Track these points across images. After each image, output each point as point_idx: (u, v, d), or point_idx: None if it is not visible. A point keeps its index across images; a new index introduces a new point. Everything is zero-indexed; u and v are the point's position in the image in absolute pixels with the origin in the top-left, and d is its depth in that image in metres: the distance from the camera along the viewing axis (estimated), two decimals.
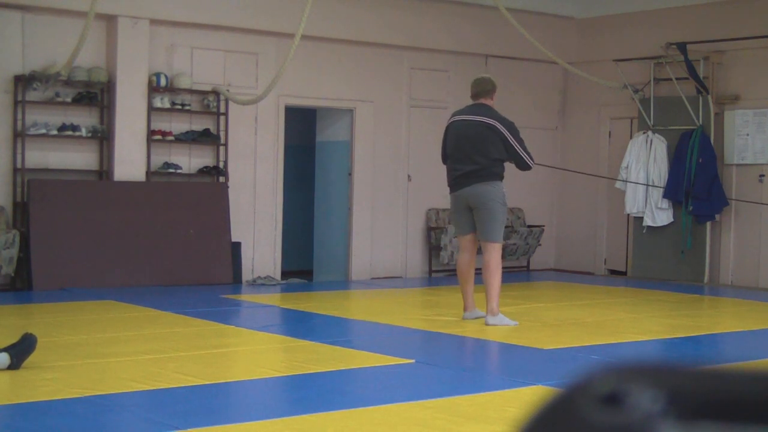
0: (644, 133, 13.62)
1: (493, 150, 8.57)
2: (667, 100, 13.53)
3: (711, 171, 12.98)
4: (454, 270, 13.86)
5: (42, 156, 11.09)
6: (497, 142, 8.58)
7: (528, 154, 8.69)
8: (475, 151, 8.58)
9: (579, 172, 13.80)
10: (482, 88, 8.81)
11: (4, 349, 6.25)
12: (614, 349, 7.65)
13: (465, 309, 9.00)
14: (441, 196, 13.88)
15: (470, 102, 8.95)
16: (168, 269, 11.45)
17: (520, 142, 8.68)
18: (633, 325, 9.23)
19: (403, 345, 7.80)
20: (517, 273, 14.47)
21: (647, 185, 13.40)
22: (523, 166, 8.75)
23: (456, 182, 8.74)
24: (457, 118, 8.84)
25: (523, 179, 14.42)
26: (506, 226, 14.45)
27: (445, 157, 8.91)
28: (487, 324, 8.61)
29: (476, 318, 8.90)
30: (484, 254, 8.74)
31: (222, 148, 12.13)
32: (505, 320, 8.67)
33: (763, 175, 12.88)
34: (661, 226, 13.45)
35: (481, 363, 6.89)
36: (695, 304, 11.51)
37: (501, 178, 8.70)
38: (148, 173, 11.61)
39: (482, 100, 8.80)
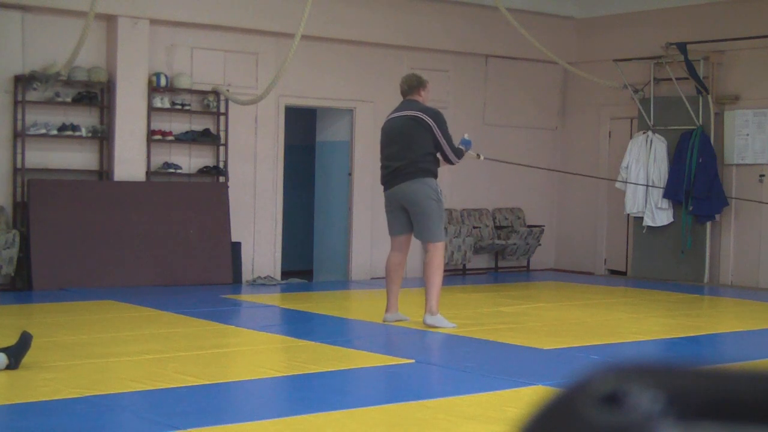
0: (644, 133, 13.62)
1: (420, 144, 8.39)
2: (667, 100, 13.53)
3: (711, 171, 12.98)
4: (454, 270, 13.90)
5: (42, 156, 11.09)
6: (424, 135, 8.39)
7: (453, 148, 8.49)
8: (403, 147, 8.40)
9: (578, 174, 13.80)
10: (409, 85, 8.65)
11: (2, 350, 6.25)
12: (614, 349, 7.65)
13: (387, 310, 8.68)
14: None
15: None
16: (168, 269, 11.45)
17: (446, 135, 8.46)
18: (633, 325, 9.23)
19: (403, 345, 7.80)
20: (517, 273, 14.47)
21: (647, 185, 13.40)
22: (446, 159, 8.54)
23: (386, 180, 8.52)
24: (388, 116, 8.72)
25: (523, 179, 14.45)
26: (506, 226, 14.54)
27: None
28: (425, 323, 8.44)
29: (397, 321, 8.64)
30: (426, 254, 8.56)
31: (222, 148, 12.13)
32: (444, 322, 8.45)
33: (763, 175, 12.88)
34: (661, 226, 13.45)
35: (481, 363, 6.89)
36: (695, 304, 11.51)
37: (433, 173, 8.49)
38: (148, 173, 11.61)
39: (411, 97, 8.65)
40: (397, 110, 8.67)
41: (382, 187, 8.70)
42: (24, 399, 5.50)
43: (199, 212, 11.72)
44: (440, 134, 8.41)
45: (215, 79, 12.07)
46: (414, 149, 8.37)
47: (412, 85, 8.65)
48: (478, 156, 9.29)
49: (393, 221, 8.62)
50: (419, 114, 8.43)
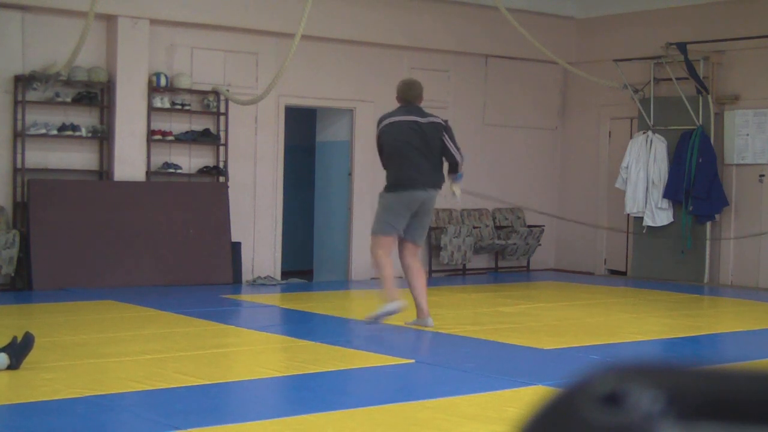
0: (644, 133, 13.62)
1: (439, 152, 8.52)
2: (667, 100, 13.54)
3: (711, 171, 12.99)
4: (454, 270, 13.90)
5: (42, 156, 11.09)
6: (440, 143, 8.50)
7: (460, 154, 8.57)
8: (429, 153, 8.47)
9: (579, 179, 13.79)
10: (415, 93, 8.67)
11: (3, 350, 6.25)
12: (614, 349, 7.65)
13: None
14: (441, 196, 13.88)
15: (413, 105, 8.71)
16: (168, 269, 11.45)
17: (454, 141, 8.58)
18: (633, 325, 9.23)
19: (403, 345, 7.80)
20: (517, 273, 14.47)
21: (646, 187, 13.40)
22: (456, 167, 8.60)
23: (408, 183, 8.48)
24: (396, 119, 8.57)
25: (523, 179, 14.46)
26: (506, 226, 14.55)
27: (386, 160, 8.62)
28: (428, 325, 8.47)
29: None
30: (415, 257, 8.66)
31: (222, 148, 12.13)
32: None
33: (763, 175, 12.88)
34: (661, 226, 13.46)
35: (481, 363, 6.89)
36: (695, 304, 11.51)
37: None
38: (148, 173, 11.61)
39: (417, 103, 8.68)
40: (406, 113, 8.59)
41: (389, 187, 8.59)
42: (24, 399, 5.50)
43: (199, 212, 11.72)
44: (451, 143, 8.53)
45: (215, 79, 12.07)
46: (436, 156, 8.51)
47: (418, 93, 8.71)
48: (454, 193, 9.05)
49: (400, 222, 8.60)
50: (439, 121, 8.58)
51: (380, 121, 8.75)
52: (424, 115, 8.59)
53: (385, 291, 8.50)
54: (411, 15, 13.34)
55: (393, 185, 8.58)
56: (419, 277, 8.59)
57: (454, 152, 8.50)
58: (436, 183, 8.57)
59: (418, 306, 8.57)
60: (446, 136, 8.52)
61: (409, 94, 8.70)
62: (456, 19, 13.72)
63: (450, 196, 9.35)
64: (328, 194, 13.47)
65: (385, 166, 8.68)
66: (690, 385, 0.74)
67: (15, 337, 6.37)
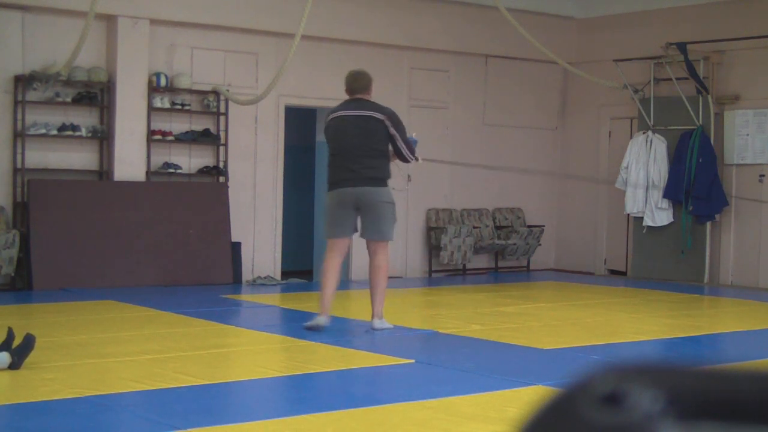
0: (644, 133, 13.62)
1: (383, 147, 8.17)
2: (667, 100, 13.54)
3: (711, 171, 12.99)
4: (454, 270, 13.90)
5: (42, 156, 11.09)
6: (384, 136, 8.16)
7: (410, 150, 8.24)
8: (369, 149, 8.14)
9: (578, 177, 13.80)
10: (360, 84, 8.30)
11: (5, 349, 6.25)
12: (614, 349, 7.65)
13: (324, 312, 8.29)
14: (441, 196, 13.90)
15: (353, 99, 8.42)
16: (168, 269, 11.45)
17: (403, 134, 8.24)
18: (633, 325, 9.23)
19: (403, 345, 7.80)
20: (517, 273, 14.47)
21: (646, 189, 13.40)
22: (404, 159, 8.32)
23: (340, 182, 8.24)
24: (339, 114, 8.31)
25: (523, 179, 14.45)
26: (506, 226, 14.55)
27: (329, 157, 8.44)
28: (374, 328, 8.26)
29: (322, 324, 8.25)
30: (375, 255, 8.32)
31: (222, 148, 12.13)
32: (387, 324, 8.30)
33: (763, 175, 12.88)
34: (661, 226, 13.45)
35: (481, 363, 6.89)
36: (695, 304, 11.51)
37: (390, 175, 8.31)
38: (148, 173, 11.61)
39: (361, 96, 8.33)
40: (350, 107, 8.31)
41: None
42: (24, 399, 5.50)
43: (199, 212, 11.72)
44: (398, 136, 8.19)
45: (215, 79, 12.07)
46: (378, 151, 8.16)
47: (364, 84, 8.34)
48: (417, 159, 8.71)
49: (340, 221, 8.30)
50: (382, 117, 8.18)
51: (327, 115, 8.52)
52: (368, 108, 8.24)
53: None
54: (411, 15, 13.34)
55: (329, 184, 8.41)
56: (373, 277, 8.29)
57: (401, 148, 8.20)
58: (374, 179, 8.15)
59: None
60: (393, 130, 8.16)
61: (354, 86, 8.36)
62: (456, 19, 13.71)
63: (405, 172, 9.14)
64: None
65: (327, 163, 8.49)
66: (690, 385, 0.74)
67: (10, 329, 6.36)
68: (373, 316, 8.35)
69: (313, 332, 8.08)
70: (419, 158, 8.61)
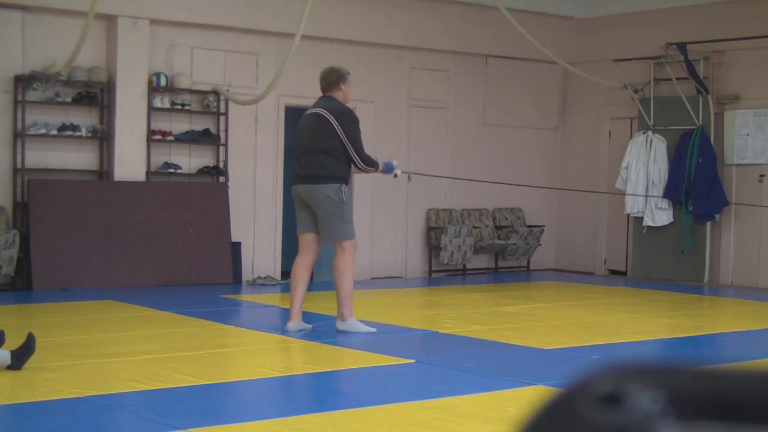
0: (644, 133, 13.62)
1: (329, 145, 8.00)
2: (667, 100, 13.54)
3: (711, 171, 12.99)
4: (454, 270, 13.90)
5: (42, 156, 11.09)
6: (333, 135, 8.00)
7: (359, 154, 8.06)
8: (313, 146, 8.03)
9: (575, 190, 13.80)
10: (328, 81, 8.21)
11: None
12: (614, 349, 7.65)
13: (291, 318, 8.22)
14: (441, 196, 13.89)
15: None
16: (168, 269, 11.45)
17: (354, 138, 8.05)
18: (633, 325, 9.23)
19: (403, 345, 7.80)
20: (517, 273, 14.47)
21: (645, 195, 13.40)
22: (354, 164, 8.13)
23: (293, 178, 8.21)
24: (307, 111, 8.29)
25: (523, 179, 14.45)
26: (506, 226, 14.54)
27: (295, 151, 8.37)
28: (338, 329, 8.18)
29: (300, 330, 8.18)
30: (337, 255, 8.19)
31: (222, 148, 12.13)
32: (360, 326, 8.17)
33: (763, 175, 12.88)
34: (661, 226, 13.46)
35: (481, 363, 6.89)
36: (695, 304, 11.51)
37: (342, 175, 8.07)
38: (148, 173, 11.61)
39: (329, 94, 8.22)
40: (315, 105, 8.28)
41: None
42: (24, 399, 5.50)
43: (199, 212, 11.72)
44: (345, 135, 8.04)
45: (215, 79, 12.07)
46: (327, 149, 8.03)
47: (331, 81, 8.22)
48: (395, 175, 8.74)
49: (299, 217, 8.25)
50: (327, 115, 8.05)
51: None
52: (324, 106, 8.13)
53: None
54: (411, 15, 13.34)
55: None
56: (335, 279, 8.16)
57: (350, 150, 8.03)
58: (318, 177, 7.99)
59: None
60: (340, 130, 8.00)
61: (321, 84, 8.31)
62: (456, 19, 13.71)
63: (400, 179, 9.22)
64: None
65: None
66: (690, 385, 0.74)
67: (1, 331, 6.34)
68: (337, 317, 8.25)
69: (293, 333, 8.05)
70: (397, 173, 8.61)
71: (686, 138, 13.20)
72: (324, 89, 8.28)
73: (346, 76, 8.25)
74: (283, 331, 8.16)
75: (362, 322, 8.45)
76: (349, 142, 8.04)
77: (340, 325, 8.20)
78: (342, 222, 8.06)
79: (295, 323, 8.17)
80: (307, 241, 8.22)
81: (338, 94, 8.21)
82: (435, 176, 12.08)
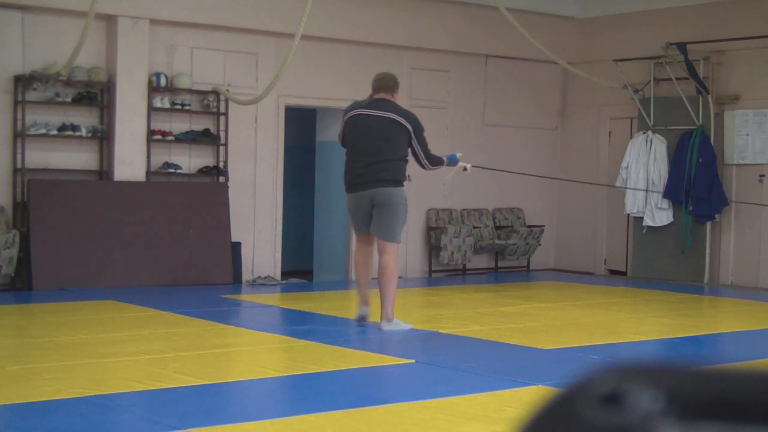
0: (644, 133, 13.62)
1: (402, 150, 8.23)
2: (667, 100, 13.54)
3: (711, 171, 12.99)
4: (454, 270, 13.90)
5: (42, 156, 11.09)
6: (405, 140, 8.23)
7: (428, 158, 8.30)
8: (385, 151, 8.19)
9: (577, 181, 13.80)
10: (386, 84, 8.40)
11: None
12: (614, 349, 7.65)
13: (363, 304, 8.51)
14: (441, 196, 13.89)
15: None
16: (168, 269, 11.45)
17: (425, 143, 8.30)
18: (633, 325, 9.23)
19: (403, 345, 7.80)
20: (517, 273, 14.47)
21: (646, 190, 13.40)
22: (422, 166, 8.41)
23: (351, 186, 8.33)
24: (360, 112, 8.38)
25: (523, 179, 14.45)
26: (506, 226, 14.54)
27: (349, 154, 8.45)
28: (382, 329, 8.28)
29: (364, 317, 8.49)
30: (382, 253, 8.32)
31: (222, 148, 12.13)
32: (401, 324, 8.33)
33: (763, 175, 12.88)
34: (661, 226, 13.46)
35: (481, 363, 6.89)
36: (695, 304, 11.51)
37: (405, 177, 8.34)
38: (148, 173, 11.61)
39: (385, 96, 8.39)
40: (369, 106, 8.37)
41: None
42: (24, 399, 5.49)
43: (199, 212, 11.72)
44: (417, 139, 8.25)
45: (215, 79, 12.07)
46: (392, 153, 8.20)
47: (390, 85, 8.42)
48: (465, 168, 8.93)
49: (356, 220, 8.43)
50: (401, 120, 8.23)
51: (346, 111, 8.55)
52: (390, 109, 8.27)
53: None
54: (411, 15, 13.34)
55: (345, 185, 8.46)
56: (380, 278, 8.29)
57: (420, 155, 8.27)
58: (387, 181, 8.17)
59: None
60: (415, 139, 8.24)
61: (377, 85, 8.45)
62: (456, 19, 13.71)
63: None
64: (328, 194, 13.46)
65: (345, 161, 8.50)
66: (690, 385, 0.74)
67: None
68: (381, 318, 8.33)
69: (360, 325, 8.44)
70: (467, 167, 8.82)
71: (686, 138, 13.20)
72: (379, 89, 8.44)
73: (398, 85, 8.59)
74: (357, 321, 8.52)
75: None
76: (420, 146, 8.29)
77: (385, 326, 8.28)
78: (401, 224, 8.38)
79: (363, 309, 8.48)
80: (368, 240, 8.50)
81: (393, 98, 8.45)
82: (494, 169, 12.02)
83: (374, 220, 8.30)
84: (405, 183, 8.38)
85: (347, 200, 8.50)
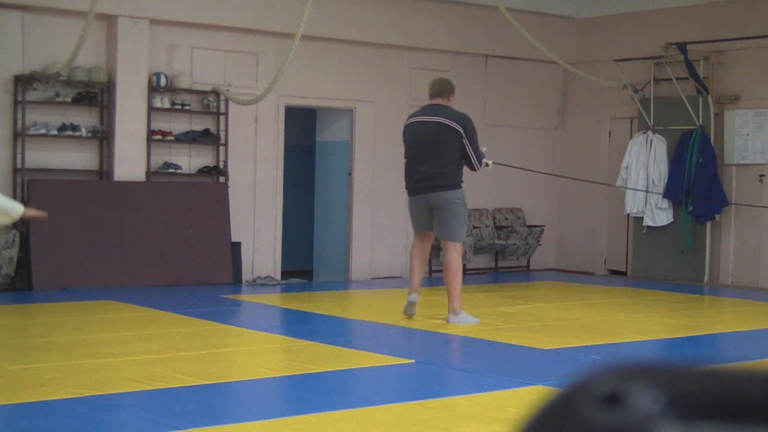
0: (644, 133, 13.62)
1: (457, 154, 8.57)
2: (667, 100, 13.54)
3: (711, 171, 12.99)
4: None
5: (42, 156, 11.09)
6: (459, 144, 8.56)
7: (477, 156, 8.64)
8: (441, 155, 8.55)
9: (579, 179, 13.79)
10: (442, 89, 8.78)
11: None
12: (614, 349, 7.65)
13: (413, 290, 8.92)
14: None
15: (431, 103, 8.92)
16: (168, 269, 11.45)
17: (477, 146, 8.64)
18: (633, 325, 9.23)
19: (403, 345, 7.80)
20: (517, 273, 14.47)
21: (646, 191, 13.41)
22: (471, 167, 8.74)
23: (411, 190, 8.76)
24: (416, 119, 8.79)
25: (523, 179, 14.46)
26: (506, 226, 14.54)
27: (407, 159, 8.87)
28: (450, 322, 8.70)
29: (413, 304, 8.91)
30: (445, 252, 8.80)
31: (222, 148, 12.13)
32: (468, 318, 8.74)
33: (763, 175, 12.88)
34: (661, 226, 13.45)
35: (481, 363, 6.89)
36: (695, 304, 11.51)
37: (462, 179, 8.72)
38: (148, 173, 11.61)
39: (440, 101, 8.76)
40: (424, 113, 8.74)
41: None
42: (24, 399, 5.49)
43: (199, 212, 11.72)
44: (469, 142, 8.57)
45: (215, 79, 12.07)
46: (446, 157, 8.54)
47: (446, 89, 8.78)
48: (487, 164, 9.24)
49: (416, 220, 8.88)
50: (452, 123, 8.55)
51: (408, 119, 8.98)
52: (443, 114, 8.61)
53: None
54: (411, 15, 13.34)
55: (406, 189, 8.91)
56: (444, 275, 8.82)
57: (471, 157, 8.58)
58: (444, 186, 8.57)
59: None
60: (466, 140, 8.55)
61: (432, 91, 8.84)
62: (456, 19, 13.71)
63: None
64: (328, 194, 13.46)
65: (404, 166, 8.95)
66: (690, 385, 0.74)
67: None
68: (449, 312, 8.76)
69: (408, 315, 8.84)
70: (489, 163, 9.08)
71: (686, 138, 13.20)
72: (436, 95, 8.79)
73: (454, 89, 8.95)
74: (406, 307, 8.91)
75: (365, 321, 8.51)
76: (473, 150, 8.60)
77: (452, 319, 8.70)
78: (462, 224, 8.75)
79: (412, 295, 8.87)
80: (425, 236, 8.93)
81: (448, 103, 8.79)
82: (509, 166, 12.10)
83: (435, 222, 8.72)
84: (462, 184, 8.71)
85: (408, 202, 8.99)
